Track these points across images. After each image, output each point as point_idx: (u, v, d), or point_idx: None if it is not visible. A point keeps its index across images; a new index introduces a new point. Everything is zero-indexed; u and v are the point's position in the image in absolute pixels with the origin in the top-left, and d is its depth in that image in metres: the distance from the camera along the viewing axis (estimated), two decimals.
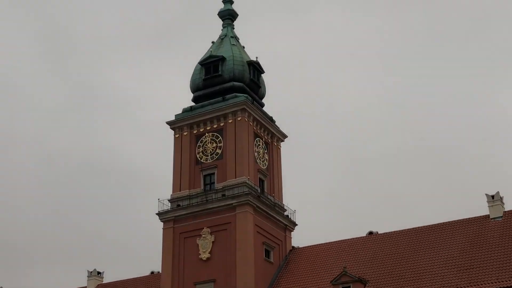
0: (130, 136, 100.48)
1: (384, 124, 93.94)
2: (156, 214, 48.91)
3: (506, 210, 43.62)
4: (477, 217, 44.07)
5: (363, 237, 47.72)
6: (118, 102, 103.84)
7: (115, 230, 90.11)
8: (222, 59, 51.88)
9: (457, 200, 77.45)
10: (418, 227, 45.89)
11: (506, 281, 37.48)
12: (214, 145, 49.38)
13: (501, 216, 43.04)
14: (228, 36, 54.23)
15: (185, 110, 51.79)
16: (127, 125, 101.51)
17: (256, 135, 50.51)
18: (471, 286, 38.22)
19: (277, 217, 49.14)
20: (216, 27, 55.90)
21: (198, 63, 53.04)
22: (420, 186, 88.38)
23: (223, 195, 46.94)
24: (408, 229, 46.20)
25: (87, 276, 57.86)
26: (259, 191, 48.37)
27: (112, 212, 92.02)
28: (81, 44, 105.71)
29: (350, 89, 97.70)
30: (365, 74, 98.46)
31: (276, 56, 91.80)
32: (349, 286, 41.12)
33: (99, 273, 57.90)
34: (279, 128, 53.29)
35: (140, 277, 54.78)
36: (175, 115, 51.63)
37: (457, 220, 44.81)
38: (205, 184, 48.74)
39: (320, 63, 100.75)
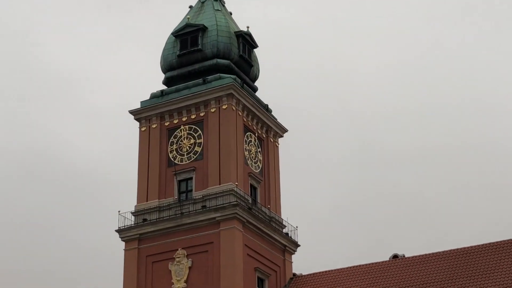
0: (78, 129, 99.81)
1: (410, 112, 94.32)
2: (116, 231, 49.09)
3: None
4: None
5: (386, 261, 48.05)
6: (59, 83, 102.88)
7: (61, 251, 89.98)
8: (203, 29, 52.03)
9: (509, 215, 77.93)
10: (457, 249, 46.28)
11: None
12: (192, 141, 49.57)
13: None
14: None
15: (154, 96, 51.95)
16: (73, 115, 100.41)
17: (247, 129, 50.74)
18: None
19: (274, 236, 49.38)
20: None
21: (171, 34, 53.18)
22: (459, 196, 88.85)
23: (204, 206, 47.13)
24: (443, 252, 46.52)
25: None
26: (250, 201, 48.54)
27: (57, 228, 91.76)
28: (6, 5, 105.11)
29: (365, 68, 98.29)
30: (384, 47, 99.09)
31: (273, 25, 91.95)
32: None
33: None
34: (276, 119, 53.54)
35: None
36: (141, 102, 51.78)
37: (508, 240, 45.17)
38: (180, 193, 48.93)
39: (331, 34, 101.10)
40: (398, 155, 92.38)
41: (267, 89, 57.83)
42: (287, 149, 56.28)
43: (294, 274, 50.44)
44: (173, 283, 46.49)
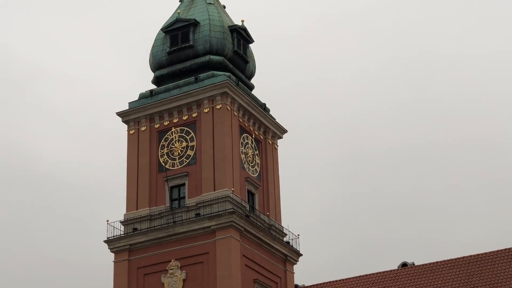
0: (62, 134, 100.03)
1: (418, 108, 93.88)
2: (105, 241, 48.81)
3: None
4: None
5: (395, 270, 48.58)
6: (30, 80, 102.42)
7: (45, 265, 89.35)
8: (194, 23, 51.72)
9: None
10: (470, 256, 46.80)
11: None
12: (184, 144, 49.15)
13: None
14: None
15: (142, 96, 51.68)
16: (58, 123, 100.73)
17: (243, 130, 50.41)
18: None
19: (274, 245, 49.01)
20: None
21: (161, 29, 52.91)
22: (472, 199, 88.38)
23: (198, 214, 46.72)
24: (455, 259, 47.14)
25: None
26: (247, 208, 48.19)
27: (39, 240, 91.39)
28: None
29: (368, 63, 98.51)
30: (388, 42, 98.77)
31: (269, 18, 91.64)
32: None
33: None
34: (275, 119, 53.20)
35: None
36: (129, 103, 51.53)
37: None
38: (172, 200, 48.54)
39: (333, 29, 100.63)
40: (409, 150, 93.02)
41: (264, 87, 57.63)
42: (286, 151, 55.67)
43: (296, 286, 50.54)
44: None
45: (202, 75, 50.05)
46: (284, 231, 50.80)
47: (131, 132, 50.77)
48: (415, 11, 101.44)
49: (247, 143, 50.50)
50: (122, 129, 51.46)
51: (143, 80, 68.62)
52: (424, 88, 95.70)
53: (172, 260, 46.37)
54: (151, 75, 52.94)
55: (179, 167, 48.82)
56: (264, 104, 52.62)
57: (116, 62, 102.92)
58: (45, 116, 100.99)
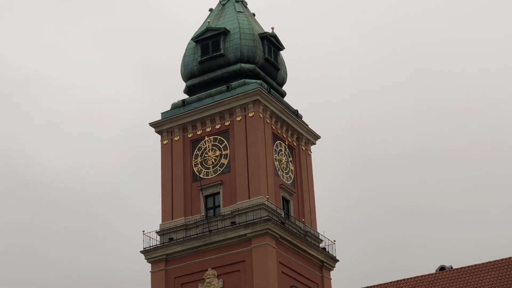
0: (97, 147, 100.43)
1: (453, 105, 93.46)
2: (141, 252, 49.11)
3: None
4: None
5: (433, 274, 47.83)
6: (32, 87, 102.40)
7: (86, 273, 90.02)
8: (225, 32, 51.96)
9: None
10: (510, 258, 45.91)
11: None
12: (218, 153, 49.43)
13: None
14: (232, 0, 54.25)
15: (175, 106, 51.89)
16: (92, 135, 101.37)
17: (276, 137, 50.54)
18: None
19: (310, 251, 49.12)
20: None
21: (191, 39, 53.15)
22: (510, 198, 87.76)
23: (233, 223, 46.93)
24: (494, 261, 46.32)
25: None
26: (282, 215, 48.31)
27: (80, 248, 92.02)
28: None
29: (404, 63, 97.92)
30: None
31: (300, 25, 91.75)
32: None
33: None
34: (307, 125, 53.28)
35: None
36: (162, 113, 51.81)
37: None
38: (207, 209, 48.78)
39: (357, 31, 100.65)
40: (448, 149, 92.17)
41: (296, 94, 57.64)
42: (320, 157, 55.85)
43: None
44: None
45: (233, 84, 50.14)
46: (320, 237, 50.73)
47: (164, 142, 50.95)
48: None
49: (281, 150, 50.52)
50: (155, 139, 51.94)
51: (174, 91, 69.24)
52: None
53: (209, 269, 46.54)
54: (182, 84, 53.09)
55: (213, 176, 48.97)
56: (297, 111, 52.57)
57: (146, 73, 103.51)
58: (48, 124, 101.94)
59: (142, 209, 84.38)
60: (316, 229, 51.22)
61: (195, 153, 50.09)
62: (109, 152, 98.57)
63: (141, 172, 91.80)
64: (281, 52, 54.20)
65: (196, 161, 49.86)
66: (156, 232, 49.24)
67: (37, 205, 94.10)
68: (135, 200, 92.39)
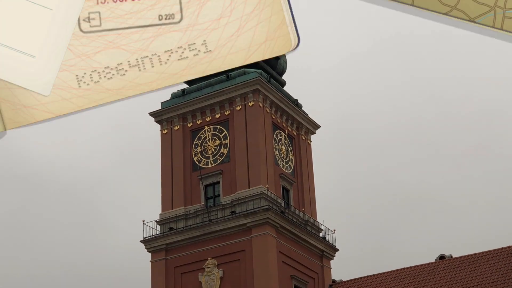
0: (95, 136, 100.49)
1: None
2: (141, 241, 49.28)
3: None
4: None
5: (432, 263, 48.02)
6: None
7: (85, 265, 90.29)
8: None
9: None
10: (509, 247, 46.08)
11: None
12: (217, 142, 49.56)
13: None
14: None
15: (175, 96, 52.03)
16: (89, 124, 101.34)
17: (276, 126, 50.66)
18: None
19: (310, 241, 49.31)
20: None
21: None
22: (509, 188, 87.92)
23: (233, 212, 47.07)
24: (493, 250, 46.44)
25: None
26: (282, 204, 48.46)
27: (79, 240, 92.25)
28: None
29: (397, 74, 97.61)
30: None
31: (301, 15, 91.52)
32: None
33: None
34: (307, 115, 53.43)
35: None
36: (161, 103, 51.91)
37: None
38: (207, 198, 48.94)
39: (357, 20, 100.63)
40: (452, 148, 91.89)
41: (296, 83, 57.72)
42: (319, 146, 56.01)
43: (334, 281, 50.44)
44: None
45: (233, 73, 49.93)
46: (320, 226, 50.94)
47: (164, 132, 51.06)
48: None
49: (280, 139, 50.65)
50: (155, 128, 51.96)
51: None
52: None
53: (208, 259, 46.66)
54: None
55: (213, 165, 49.08)
56: (296, 100, 52.63)
57: None
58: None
59: (142, 199, 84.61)
60: (316, 219, 51.36)
61: (195, 142, 50.24)
62: (109, 142, 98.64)
63: (140, 161, 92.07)
64: None
65: (196, 151, 49.99)
66: (156, 221, 49.37)
67: (25, 198, 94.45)
68: (135, 190, 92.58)
